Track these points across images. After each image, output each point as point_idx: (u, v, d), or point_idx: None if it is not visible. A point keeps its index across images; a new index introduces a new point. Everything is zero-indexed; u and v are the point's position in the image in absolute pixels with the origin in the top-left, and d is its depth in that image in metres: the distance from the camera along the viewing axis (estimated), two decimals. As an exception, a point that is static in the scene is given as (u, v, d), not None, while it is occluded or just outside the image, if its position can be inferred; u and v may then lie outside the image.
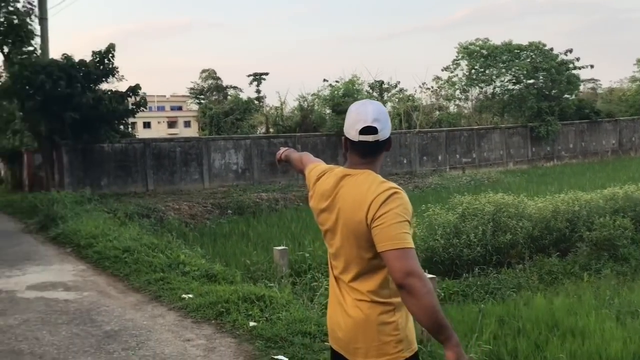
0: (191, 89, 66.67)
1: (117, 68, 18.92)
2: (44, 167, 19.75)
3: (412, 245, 2.06)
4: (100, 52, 18.53)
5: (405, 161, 25.52)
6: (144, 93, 20.60)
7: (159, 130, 68.76)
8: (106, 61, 18.54)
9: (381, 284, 2.20)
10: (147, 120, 69.83)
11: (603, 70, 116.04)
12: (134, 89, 19.15)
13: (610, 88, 47.39)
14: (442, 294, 7.35)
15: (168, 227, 13.88)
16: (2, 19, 24.14)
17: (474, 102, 36.72)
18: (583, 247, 9.72)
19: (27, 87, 17.57)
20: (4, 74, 23.54)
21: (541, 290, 7.95)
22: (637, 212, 10.77)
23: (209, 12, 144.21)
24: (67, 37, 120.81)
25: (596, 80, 49.61)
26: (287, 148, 3.13)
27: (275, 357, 4.77)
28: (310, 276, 8.11)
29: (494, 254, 9.22)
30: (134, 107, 19.51)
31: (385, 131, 2.25)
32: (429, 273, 6.25)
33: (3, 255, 10.32)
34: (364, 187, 2.20)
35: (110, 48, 18.59)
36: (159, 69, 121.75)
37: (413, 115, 31.61)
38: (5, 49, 23.82)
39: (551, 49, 32.21)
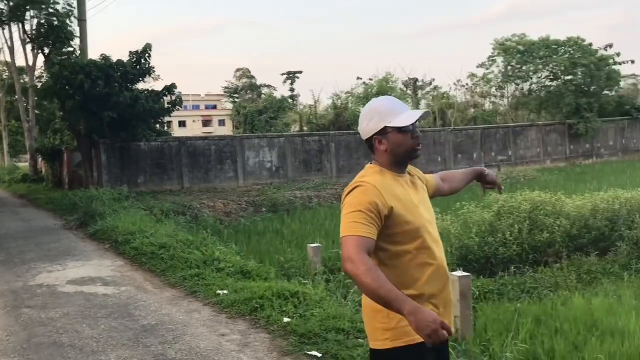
0: (225, 87, 67.24)
1: (153, 68, 19.27)
2: (83, 165, 20.21)
3: (355, 233, 2.11)
4: (136, 52, 18.89)
5: (439, 159, 25.27)
6: (179, 92, 20.91)
7: (193, 129, 69.73)
8: (142, 61, 18.88)
9: None
10: (182, 118, 70.87)
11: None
12: (170, 88, 19.46)
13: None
14: (477, 292, 7.25)
15: (203, 224, 14.04)
16: (42, 21, 24.89)
17: (509, 99, 36.17)
18: (623, 246, 9.45)
19: (66, 87, 18.01)
20: (44, 75, 24.20)
21: (579, 290, 7.75)
22: (680, 211, 10.42)
23: (243, 11, 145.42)
24: (105, 38, 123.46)
25: (637, 75, 48.09)
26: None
27: (309, 352, 4.79)
28: (343, 273, 8.12)
29: (530, 252, 9.04)
30: (170, 106, 19.82)
31: (360, 132, 2.41)
32: (464, 271, 6.18)
33: (45, 251, 10.63)
34: None
35: (147, 48, 18.93)
36: (194, 68, 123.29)
37: (447, 112, 31.34)
38: (46, 50, 24.58)
39: (590, 44, 31.36)
